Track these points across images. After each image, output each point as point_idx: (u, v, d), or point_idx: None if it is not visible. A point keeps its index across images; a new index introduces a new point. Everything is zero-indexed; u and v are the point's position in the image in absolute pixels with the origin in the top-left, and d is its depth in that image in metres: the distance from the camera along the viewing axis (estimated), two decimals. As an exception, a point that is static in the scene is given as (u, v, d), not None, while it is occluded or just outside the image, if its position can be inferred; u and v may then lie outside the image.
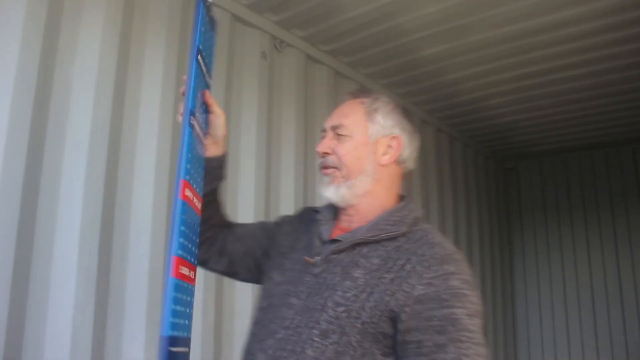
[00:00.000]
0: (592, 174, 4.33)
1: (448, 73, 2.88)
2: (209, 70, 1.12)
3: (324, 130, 1.12)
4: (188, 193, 0.93)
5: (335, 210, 1.11)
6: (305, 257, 1.05)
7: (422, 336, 0.87)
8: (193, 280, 0.96)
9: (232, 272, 1.28)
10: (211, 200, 1.19)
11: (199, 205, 1.03)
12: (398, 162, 1.09)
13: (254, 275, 1.21)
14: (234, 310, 2.03)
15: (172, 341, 0.87)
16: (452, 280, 0.91)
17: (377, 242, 0.99)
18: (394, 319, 0.90)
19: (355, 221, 1.06)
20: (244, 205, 2.12)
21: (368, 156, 1.06)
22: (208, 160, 1.16)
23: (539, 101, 3.26)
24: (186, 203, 0.92)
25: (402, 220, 1.02)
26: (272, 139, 2.32)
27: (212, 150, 1.16)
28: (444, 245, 0.98)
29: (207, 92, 1.11)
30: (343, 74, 2.78)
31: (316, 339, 0.92)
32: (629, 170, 4.16)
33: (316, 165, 1.15)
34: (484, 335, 0.90)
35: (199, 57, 1.03)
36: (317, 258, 1.02)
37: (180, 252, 0.88)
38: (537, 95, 3.15)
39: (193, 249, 0.98)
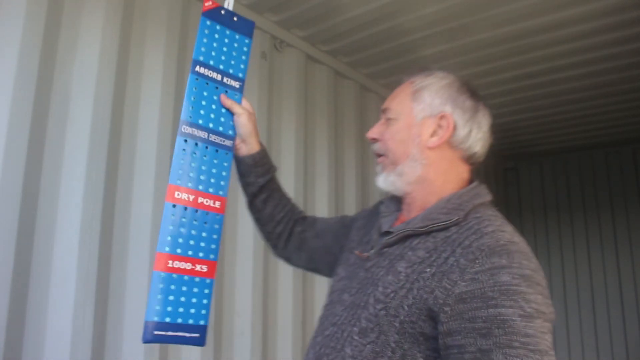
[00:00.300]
0: (592, 174, 4.33)
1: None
2: (232, 75, 1.17)
3: None
4: (181, 196, 1.04)
5: (399, 201, 1.03)
6: (357, 251, 1.02)
7: (464, 340, 0.76)
8: (203, 273, 1.06)
9: (313, 268, 1.27)
10: (266, 197, 1.21)
11: (216, 204, 1.09)
12: (452, 144, 0.96)
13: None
14: (234, 310, 2.03)
15: (162, 326, 1.01)
16: (502, 275, 0.77)
17: (428, 233, 0.89)
18: (434, 319, 0.80)
19: (413, 210, 0.98)
20: (244, 206, 2.12)
21: (413, 139, 0.96)
22: (242, 160, 1.17)
23: (539, 101, 3.25)
24: (177, 205, 1.03)
25: (458, 208, 0.90)
26: (272, 139, 2.32)
27: (243, 149, 1.16)
28: (496, 235, 0.83)
29: (222, 96, 1.12)
30: (343, 74, 2.78)
31: (355, 337, 0.87)
32: (629, 170, 4.16)
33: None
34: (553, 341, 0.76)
35: (198, 68, 1.11)
36: (372, 252, 0.97)
37: (167, 248, 1.00)
38: (537, 95, 3.15)
39: (202, 244, 1.06)
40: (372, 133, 1.04)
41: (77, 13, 1.65)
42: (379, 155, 1.03)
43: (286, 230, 1.22)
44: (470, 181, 1.00)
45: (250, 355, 2.04)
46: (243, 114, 1.13)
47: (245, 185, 1.21)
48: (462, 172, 0.99)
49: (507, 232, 0.85)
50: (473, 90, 1.01)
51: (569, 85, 2.98)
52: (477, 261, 0.79)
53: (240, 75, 1.19)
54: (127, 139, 1.75)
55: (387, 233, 0.97)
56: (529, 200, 4.65)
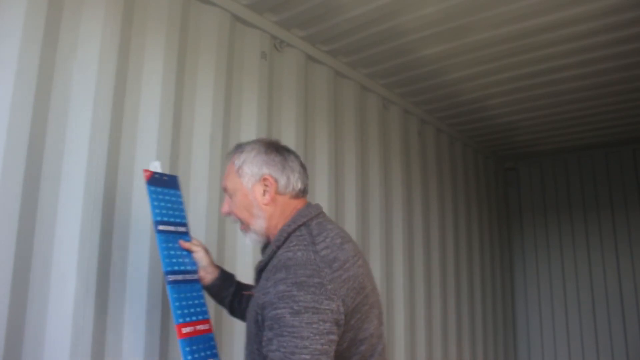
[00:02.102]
0: (592, 174, 4.33)
1: (448, 73, 2.88)
2: (179, 223, 1.48)
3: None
4: (187, 330, 1.34)
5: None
6: (244, 292, 1.43)
7: (265, 333, 1.08)
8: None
9: None
10: (240, 298, 1.47)
11: (206, 326, 1.40)
12: (280, 192, 1.26)
13: None
14: (234, 310, 2.03)
15: None
16: (280, 285, 1.07)
17: (267, 263, 1.20)
18: (260, 326, 1.12)
19: None
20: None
21: (252, 203, 1.26)
22: (211, 287, 1.47)
23: (539, 101, 3.26)
24: (186, 338, 1.33)
25: (279, 239, 1.20)
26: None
27: (207, 278, 1.46)
28: (282, 255, 1.14)
29: (180, 242, 1.45)
30: (343, 74, 2.78)
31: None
32: (629, 170, 4.16)
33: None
34: (325, 329, 1.03)
35: (160, 227, 1.42)
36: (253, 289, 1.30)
37: None
38: (537, 95, 3.15)
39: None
40: (223, 210, 1.33)
41: (77, 13, 1.65)
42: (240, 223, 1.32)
43: None
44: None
45: (250, 355, 2.03)
46: (199, 250, 1.47)
47: (221, 301, 1.50)
48: (296, 205, 1.27)
49: (290, 251, 1.14)
50: (277, 146, 1.30)
51: (569, 85, 2.99)
52: (269, 279, 1.12)
53: (185, 221, 1.51)
54: (127, 138, 1.75)
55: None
56: (529, 200, 4.65)
